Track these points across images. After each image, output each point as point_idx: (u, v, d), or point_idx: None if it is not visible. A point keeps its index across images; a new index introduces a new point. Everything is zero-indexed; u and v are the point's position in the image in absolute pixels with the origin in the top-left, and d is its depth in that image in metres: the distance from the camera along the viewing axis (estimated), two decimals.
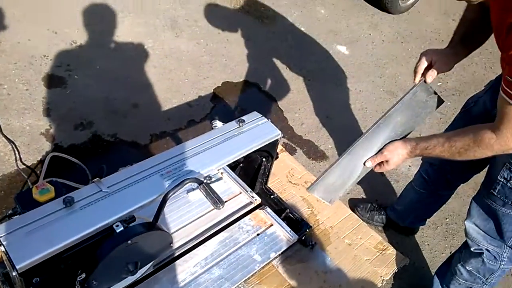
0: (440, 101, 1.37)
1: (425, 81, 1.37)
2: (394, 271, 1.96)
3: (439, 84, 3.20)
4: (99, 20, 2.93)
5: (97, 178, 1.37)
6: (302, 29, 3.39)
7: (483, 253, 1.54)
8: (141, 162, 1.49)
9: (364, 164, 1.34)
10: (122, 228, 1.23)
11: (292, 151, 2.47)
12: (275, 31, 3.29)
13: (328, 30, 3.45)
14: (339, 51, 3.29)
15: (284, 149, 2.39)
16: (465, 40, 1.44)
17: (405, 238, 2.17)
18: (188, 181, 1.34)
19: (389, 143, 1.31)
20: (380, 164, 1.35)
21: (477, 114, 1.50)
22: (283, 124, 2.63)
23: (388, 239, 2.11)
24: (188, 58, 2.84)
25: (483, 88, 1.57)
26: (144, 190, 1.37)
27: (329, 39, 3.37)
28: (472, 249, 1.56)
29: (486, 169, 1.51)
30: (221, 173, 1.94)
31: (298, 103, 2.78)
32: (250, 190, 1.90)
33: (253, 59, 2.99)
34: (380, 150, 1.32)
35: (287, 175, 2.29)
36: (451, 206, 2.38)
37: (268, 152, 1.89)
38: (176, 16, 3.14)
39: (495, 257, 1.53)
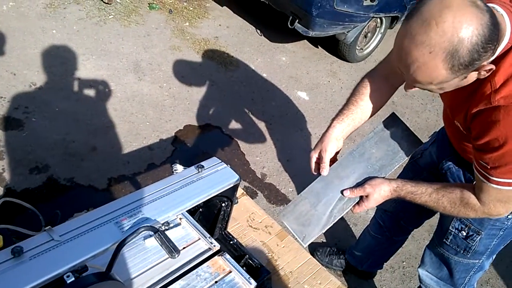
0: (417, 141, 1.27)
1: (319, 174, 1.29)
2: None
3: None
4: (61, 62, 2.91)
5: (49, 227, 1.33)
6: (264, 75, 3.50)
7: None
8: (95, 209, 1.47)
9: (342, 193, 1.25)
10: (73, 279, 1.19)
11: (253, 195, 2.48)
12: (238, 77, 3.38)
13: (289, 76, 3.58)
14: (299, 97, 3.40)
15: (245, 193, 2.41)
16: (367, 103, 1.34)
17: (364, 282, 2.19)
18: (142, 229, 1.33)
19: (370, 178, 1.24)
20: (359, 202, 1.25)
21: (425, 165, 1.58)
22: (245, 168, 2.65)
23: (347, 283, 2.12)
24: (150, 101, 2.85)
25: (428, 139, 1.66)
26: (97, 238, 1.34)
27: (290, 85, 3.49)
28: None
29: (438, 215, 1.58)
30: (180, 218, 1.91)
31: (259, 146, 2.82)
32: (209, 236, 1.88)
33: (216, 103, 3.04)
34: (360, 184, 1.25)
35: (248, 220, 2.29)
36: (407, 249, 2.43)
37: (227, 197, 1.90)
38: (139, 60, 3.18)
39: None
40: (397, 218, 1.79)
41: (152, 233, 1.39)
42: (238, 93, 3.22)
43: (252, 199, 2.40)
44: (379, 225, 1.91)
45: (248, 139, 2.85)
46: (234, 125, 2.92)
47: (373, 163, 1.26)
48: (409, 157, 1.27)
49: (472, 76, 0.97)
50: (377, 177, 1.24)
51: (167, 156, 2.51)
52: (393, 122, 1.27)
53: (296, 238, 1.36)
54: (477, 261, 1.47)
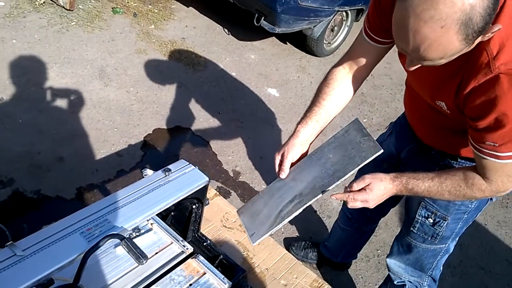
0: (376, 148, 1.17)
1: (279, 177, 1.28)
2: None
3: (364, 120, 3.39)
4: (22, 73, 2.84)
5: (11, 242, 1.30)
6: (233, 74, 3.49)
7: (405, 285, 1.61)
8: (60, 220, 1.45)
9: (322, 193, 1.18)
10: None
11: (226, 195, 2.47)
12: (207, 77, 3.36)
13: (258, 74, 3.58)
14: (269, 93, 3.41)
15: (218, 193, 2.40)
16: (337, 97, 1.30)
17: (340, 273, 2.21)
18: (108, 238, 1.31)
19: (374, 175, 1.17)
20: (360, 196, 1.17)
21: (384, 156, 1.57)
22: (217, 168, 2.64)
23: (323, 275, 2.14)
24: (117, 107, 2.81)
25: (385, 130, 1.68)
26: (62, 250, 1.31)
27: (260, 82, 3.49)
28: (395, 282, 1.63)
29: (403, 203, 1.61)
30: (151, 223, 1.90)
31: (231, 146, 2.82)
32: (181, 239, 1.87)
33: (185, 105, 3.02)
34: (359, 177, 1.18)
35: (222, 220, 2.28)
36: (381, 237, 2.47)
37: (197, 199, 1.89)
38: (104, 66, 3.13)
39: (416, 286, 1.61)
40: (363, 208, 1.81)
41: (119, 240, 1.38)
42: (207, 93, 3.20)
43: (226, 199, 2.39)
44: (347, 217, 1.93)
45: (220, 139, 2.84)
46: (205, 125, 2.91)
47: (327, 168, 1.23)
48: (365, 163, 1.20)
49: (476, 42, 0.89)
50: (380, 173, 1.17)
51: (136, 162, 2.48)
52: (354, 128, 1.23)
53: (247, 235, 1.37)
54: (444, 245, 1.50)
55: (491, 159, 1.02)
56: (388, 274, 1.68)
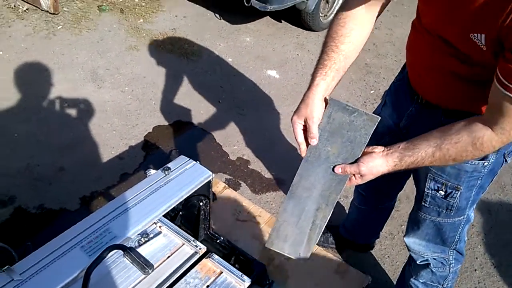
0: (372, 119, 1.08)
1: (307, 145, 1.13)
2: None
3: (371, 92, 3.24)
4: (14, 84, 2.74)
5: (7, 266, 1.21)
6: (230, 60, 3.35)
7: (429, 263, 1.49)
8: (59, 236, 1.36)
9: (333, 170, 1.11)
10: None
11: (236, 186, 2.37)
12: (203, 66, 3.23)
13: (256, 56, 3.44)
14: (269, 75, 3.27)
15: (227, 186, 2.29)
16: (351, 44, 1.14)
17: (364, 256, 2.10)
18: (109, 250, 1.21)
19: (366, 155, 1.07)
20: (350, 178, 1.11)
21: (383, 130, 1.43)
22: (223, 159, 2.53)
23: (346, 260, 2.03)
24: (113, 109, 2.71)
25: (380, 102, 1.55)
26: (62, 269, 1.22)
27: (258, 65, 3.35)
28: (418, 262, 1.51)
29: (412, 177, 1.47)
30: (160, 226, 1.81)
31: (235, 135, 2.70)
32: (193, 239, 1.78)
33: (183, 98, 2.90)
34: (356, 161, 1.08)
35: (234, 213, 2.18)
36: (404, 211, 2.35)
37: (203, 195, 1.78)
38: (96, 67, 3.01)
39: (442, 263, 1.49)
40: (376, 185, 1.67)
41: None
42: (205, 83, 3.07)
43: (236, 190, 2.29)
44: (362, 196, 1.81)
45: (223, 129, 2.72)
46: (206, 117, 2.79)
47: (334, 161, 1.12)
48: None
49: None
50: (373, 153, 1.07)
51: (139, 163, 2.38)
52: (336, 110, 1.09)
53: (294, 259, 1.29)
54: (462, 217, 1.38)
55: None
56: (410, 255, 1.57)
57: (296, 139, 1.12)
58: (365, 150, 1.08)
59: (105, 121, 2.60)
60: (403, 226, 2.28)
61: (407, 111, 1.35)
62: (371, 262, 2.08)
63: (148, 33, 3.45)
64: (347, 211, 2.22)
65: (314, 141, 1.09)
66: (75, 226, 1.40)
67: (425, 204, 1.36)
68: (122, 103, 2.76)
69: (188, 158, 1.74)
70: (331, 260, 2.00)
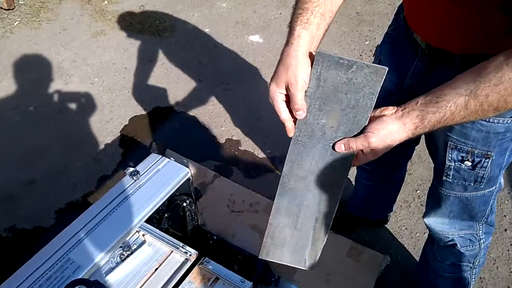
0: (377, 71, 0.80)
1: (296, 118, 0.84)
2: (376, 277, 1.66)
3: (367, 43, 2.92)
4: None
5: None
6: (207, 30, 3.04)
7: (456, 243, 1.24)
8: (13, 275, 1.16)
9: (333, 149, 0.86)
10: None
11: (227, 173, 2.12)
12: (178, 42, 2.93)
13: (235, 22, 3.12)
14: (252, 42, 2.96)
15: (217, 174, 2.05)
16: None
17: (379, 231, 1.86)
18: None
19: (374, 122, 0.80)
20: (357, 155, 0.84)
21: (384, 96, 1.15)
22: (211, 144, 2.28)
23: (359, 238, 1.81)
24: (84, 104, 2.44)
25: (373, 61, 1.25)
26: None
27: (239, 32, 3.04)
28: (441, 243, 1.27)
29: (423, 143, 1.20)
30: (143, 235, 1.59)
31: (221, 114, 2.43)
32: (182, 244, 1.56)
33: (159, 81, 2.63)
34: (362, 131, 0.82)
35: (228, 204, 1.95)
36: (417, 173, 2.10)
37: (185, 194, 1.55)
38: (60, 61, 2.73)
39: (470, 240, 1.24)
40: (381, 158, 1.42)
41: (124, 256, 1.26)
42: (182, 60, 2.78)
43: (228, 178, 2.05)
44: (366, 171, 1.55)
45: (207, 110, 2.46)
46: (187, 98, 2.52)
47: (333, 137, 0.86)
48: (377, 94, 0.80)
49: None
50: (384, 116, 0.79)
51: (117, 162, 2.14)
52: (326, 67, 0.81)
53: (297, 268, 1.04)
54: (493, 187, 1.12)
55: None
56: (428, 240, 1.33)
57: (279, 116, 0.84)
58: (372, 115, 0.81)
59: (75, 120, 2.35)
60: (418, 191, 2.03)
61: (410, 68, 1.07)
62: (387, 238, 1.85)
63: (115, 15, 3.14)
64: (353, 183, 1.97)
65: (301, 114, 0.81)
66: (31, 261, 1.20)
67: (448, 179, 1.10)
68: (93, 96, 2.50)
69: (160, 156, 1.51)
70: (341, 242, 1.77)
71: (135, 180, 1.39)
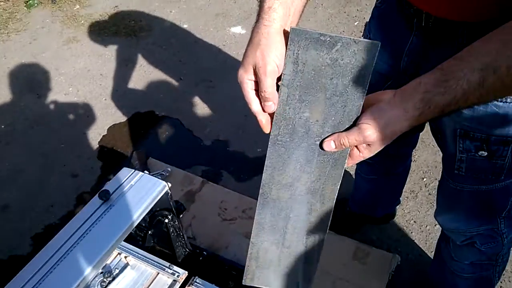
0: (367, 46, 0.63)
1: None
2: (387, 280, 1.50)
3: (356, 23, 2.74)
4: None
5: None
6: (185, 26, 2.86)
7: (475, 241, 1.08)
8: None
9: (321, 148, 0.69)
10: None
11: (216, 177, 1.96)
12: (155, 41, 2.75)
13: (215, 15, 2.94)
14: (234, 34, 2.79)
15: (205, 180, 1.89)
16: None
17: (385, 227, 1.70)
18: None
19: (368, 111, 0.64)
20: (351, 154, 0.68)
21: (378, 78, 0.98)
22: (197, 147, 2.11)
23: (365, 236, 1.65)
24: (58, 118, 2.28)
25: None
26: None
27: (219, 24, 2.86)
28: (458, 242, 1.10)
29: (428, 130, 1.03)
30: (125, 257, 1.44)
31: (206, 114, 2.27)
32: (168, 264, 1.42)
33: (138, 84, 2.46)
34: (355, 122, 0.65)
35: (219, 213, 1.78)
36: (422, 160, 1.93)
37: (166, 209, 1.39)
38: (31, 74, 2.56)
39: (491, 235, 1.07)
40: (382, 149, 1.24)
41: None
42: (161, 60, 2.61)
43: (217, 183, 1.89)
44: (368, 165, 1.38)
45: (191, 111, 2.29)
46: (168, 100, 2.35)
47: (319, 134, 0.69)
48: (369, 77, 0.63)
49: None
50: (381, 105, 0.63)
51: (97, 176, 1.97)
52: (305, 46, 0.64)
53: None
54: None
55: None
56: (440, 237, 1.16)
57: (250, 107, 0.69)
58: (366, 103, 0.65)
59: (50, 135, 2.18)
60: (424, 179, 1.86)
61: (406, 45, 0.90)
62: (394, 234, 1.68)
63: (87, 19, 2.96)
64: (353, 176, 1.80)
65: (270, 106, 0.66)
66: None
67: (460, 172, 0.93)
68: (68, 108, 2.33)
69: (133, 170, 1.36)
70: (345, 244, 1.61)
71: (105, 201, 1.23)
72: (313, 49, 0.64)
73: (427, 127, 1.09)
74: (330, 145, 0.66)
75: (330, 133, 0.68)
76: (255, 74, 0.65)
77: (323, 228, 0.79)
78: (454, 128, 0.88)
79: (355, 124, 0.65)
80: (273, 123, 0.70)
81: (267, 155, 0.75)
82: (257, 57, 0.64)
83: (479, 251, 1.10)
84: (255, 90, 0.67)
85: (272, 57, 0.64)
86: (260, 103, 0.67)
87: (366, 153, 0.67)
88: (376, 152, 0.66)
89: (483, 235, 1.07)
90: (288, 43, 0.65)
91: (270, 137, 0.73)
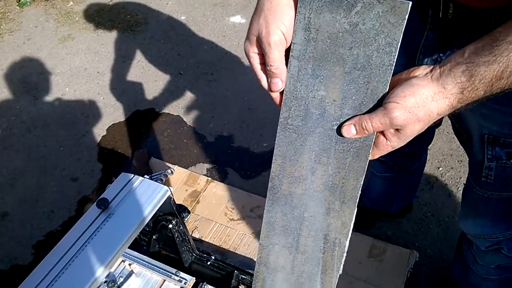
0: (395, 7, 0.52)
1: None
2: (406, 278, 1.42)
3: None
4: None
5: None
6: (183, 18, 2.76)
7: (501, 247, 0.99)
8: None
9: (340, 134, 0.59)
10: None
11: (222, 176, 1.88)
12: (153, 35, 2.66)
13: (213, 5, 2.83)
14: (233, 23, 2.68)
15: (209, 178, 1.81)
16: None
17: (401, 221, 1.62)
18: None
19: (398, 88, 0.53)
20: (377, 142, 0.57)
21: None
22: (200, 145, 2.03)
23: (380, 232, 1.56)
24: (56, 120, 2.20)
25: None
26: None
27: (218, 14, 2.76)
28: (483, 248, 1.02)
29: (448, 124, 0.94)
30: (129, 264, 1.38)
31: (208, 109, 2.18)
32: (175, 270, 1.36)
33: (137, 80, 2.37)
34: (381, 102, 0.55)
35: (226, 213, 1.71)
36: (437, 148, 1.84)
37: (169, 213, 1.32)
38: (27, 75, 2.48)
39: None
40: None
41: None
42: (159, 54, 2.52)
43: (223, 181, 1.81)
44: (381, 162, 1.29)
45: (192, 107, 2.20)
46: (168, 97, 2.27)
47: (337, 116, 0.59)
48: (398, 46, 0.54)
49: None
50: (413, 78, 0.53)
51: (98, 179, 1.90)
52: (318, 9, 0.55)
53: None
54: None
55: None
56: (461, 241, 1.08)
57: (258, 81, 0.61)
58: (394, 79, 0.55)
59: (48, 138, 2.11)
60: (440, 168, 1.77)
61: (419, 42, 0.80)
62: (411, 229, 1.60)
63: (82, 15, 2.87)
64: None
65: (277, 83, 0.58)
66: None
67: (489, 180, 0.85)
68: (65, 109, 2.25)
69: (132, 175, 1.29)
70: (359, 241, 1.53)
71: (104, 209, 1.15)
72: (328, 11, 0.54)
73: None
74: (350, 130, 0.56)
75: (350, 116, 0.58)
76: (260, 45, 0.56)
77: (345, 232, 0.69)
78: (481, 133, 0.79)
79: (380, 104, 0.55)
80: (282, 103, 0.61)
81: (276, 142, 0.65)
82: (261, 24, 0.55)
83: (506, 256, 1.02)
84: (262, 64, 0.58)
85: (277, 23, 0.54)
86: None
87: (395, 142, 0.55)
88: (408, 140, 0.55)
89: (510, 239, 0.99)
90: (298, 5, 0.56)
91: (279, 120, 0.63)
